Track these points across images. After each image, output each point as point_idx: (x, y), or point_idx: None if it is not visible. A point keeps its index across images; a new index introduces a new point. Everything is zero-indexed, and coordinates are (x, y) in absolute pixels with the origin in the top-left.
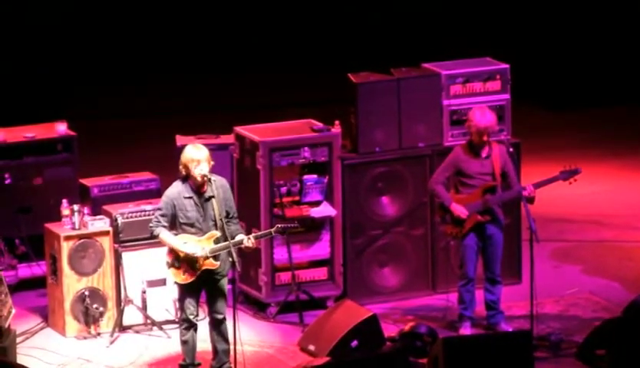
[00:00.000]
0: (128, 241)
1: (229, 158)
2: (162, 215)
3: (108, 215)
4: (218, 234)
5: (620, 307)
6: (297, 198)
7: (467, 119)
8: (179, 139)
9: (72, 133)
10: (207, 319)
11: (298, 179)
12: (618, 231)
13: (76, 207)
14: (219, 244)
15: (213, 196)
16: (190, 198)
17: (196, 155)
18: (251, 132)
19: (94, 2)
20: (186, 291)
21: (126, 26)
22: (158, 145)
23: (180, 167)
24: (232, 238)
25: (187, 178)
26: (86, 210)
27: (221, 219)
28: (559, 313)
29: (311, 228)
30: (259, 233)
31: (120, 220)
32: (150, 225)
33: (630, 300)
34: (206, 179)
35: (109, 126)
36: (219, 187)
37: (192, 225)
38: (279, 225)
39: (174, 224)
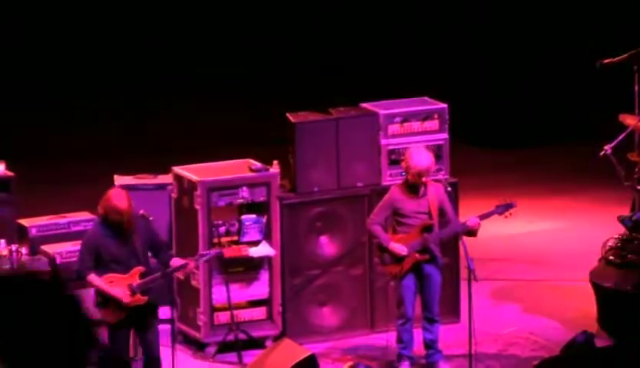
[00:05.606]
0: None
1: (167, 198)
2: (87, 255)
3: (46, 255)
4: (143, 269)
5: (558, 346)
6: (235, 237)
7: (404, 160)
8: (118, 179)
9: (10, 173)
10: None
11: (236, 218)
12: (556, 271)
13: (14, 247)
14: (146, 278)
15: (135, 232)
16: (113, 236)
17: (119, 206)
18: (189, 172)
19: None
20: (116, 331)
21: (62, 64)
22: (97, 185)
23: (100, 208)
24: (167, 266)
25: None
26: (24, 250)
27: (144, 254)
28: (498, 352)
29: (250, 268)
30: (197, 255)
31: (58, 260)
32: (77, 267)
33: (568, 339)
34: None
35: (47, 166)
36: (140, 223)
37: (117, 263)
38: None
39: (99, 262)
